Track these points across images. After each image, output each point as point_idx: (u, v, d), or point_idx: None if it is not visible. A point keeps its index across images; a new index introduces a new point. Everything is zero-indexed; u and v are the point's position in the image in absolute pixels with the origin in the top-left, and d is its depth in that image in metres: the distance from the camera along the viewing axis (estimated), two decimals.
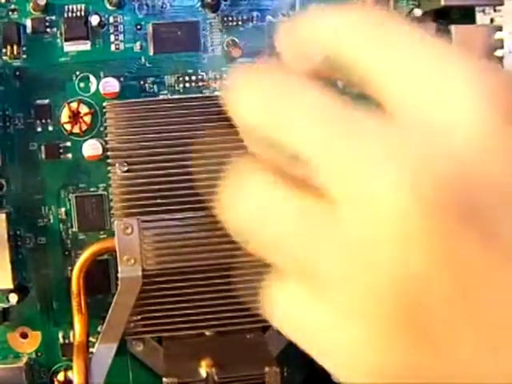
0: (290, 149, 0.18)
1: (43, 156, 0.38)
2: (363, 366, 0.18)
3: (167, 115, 0.36)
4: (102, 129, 0.38)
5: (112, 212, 0.36)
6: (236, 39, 0.39)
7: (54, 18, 0.38)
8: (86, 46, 0.38)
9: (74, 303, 0.36)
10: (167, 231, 0.34)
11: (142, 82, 0.39)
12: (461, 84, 0.17)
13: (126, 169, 0.35)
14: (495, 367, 0.17)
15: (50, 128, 0.38)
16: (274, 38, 0.20)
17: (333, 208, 0.17)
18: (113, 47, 0.39)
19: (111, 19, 0.38)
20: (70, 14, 0.37)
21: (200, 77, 0.39)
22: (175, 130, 0.35)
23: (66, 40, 0.38)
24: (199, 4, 0.39)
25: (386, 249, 0.17)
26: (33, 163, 0.38)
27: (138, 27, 0.39)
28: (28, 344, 0.39)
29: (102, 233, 0.39)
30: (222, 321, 0.36)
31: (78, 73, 0.38)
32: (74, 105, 0.38)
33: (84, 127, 0.38)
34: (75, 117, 0.38)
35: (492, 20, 0.38)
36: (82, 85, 0.38)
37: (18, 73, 0.38)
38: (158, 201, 0.35)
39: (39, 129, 0.38)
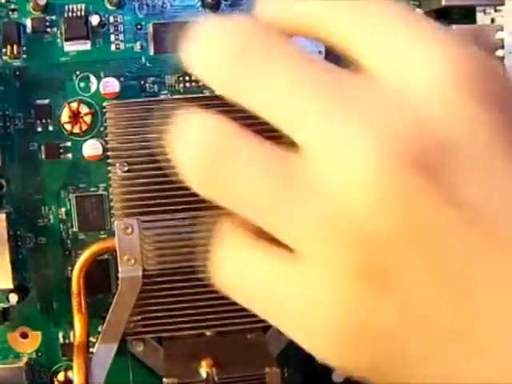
0: (257, 99, 0.19)
1: (43, 156, 0.38)
2: (325, 325, 0.18)
3: (167, 115, 0.36)
4: (102, 129, 0.38)
5: (112, 212, 0.36)
6: None
7: (54, 17, 0.38)
8: (86, 45, 0.38)
9: (74, 303, 0.36)
10: (168, 231, 0.34)
11: (142, 82, 0.39)
12: (431, 46, 0.18)
13: (126, 169, 0.35)
14: (454, 323, 0.17)
15: (50, 128, 0.38)
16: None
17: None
18: (113, 47, 0.39)
19: (111, 19, 0.38)
20: (70, 14, 0.37)
21: None
22: None
23: (66, 40, 0.38)
24: (199, 4, 0.39)
25: (352, 203, 0.17)
26: (33, 163, 0.38)
27: (139, 27, 0.39)
28: (28, 344, 0.39)
29: (102, 233, 0.39)
30: (223, 321, 0.36)
31: (78, 73, 0.38)
32: (74, 105, 0.38)
33: (84, 127, 0.38)
34: (75, 117, 0.38)
35: (493, 20, 0.38)
36: (82, 85, 0.38)
37: (18, 73, 0.38)
38: (159, 201, 0.35)
39: (39, 129, 0.38)
